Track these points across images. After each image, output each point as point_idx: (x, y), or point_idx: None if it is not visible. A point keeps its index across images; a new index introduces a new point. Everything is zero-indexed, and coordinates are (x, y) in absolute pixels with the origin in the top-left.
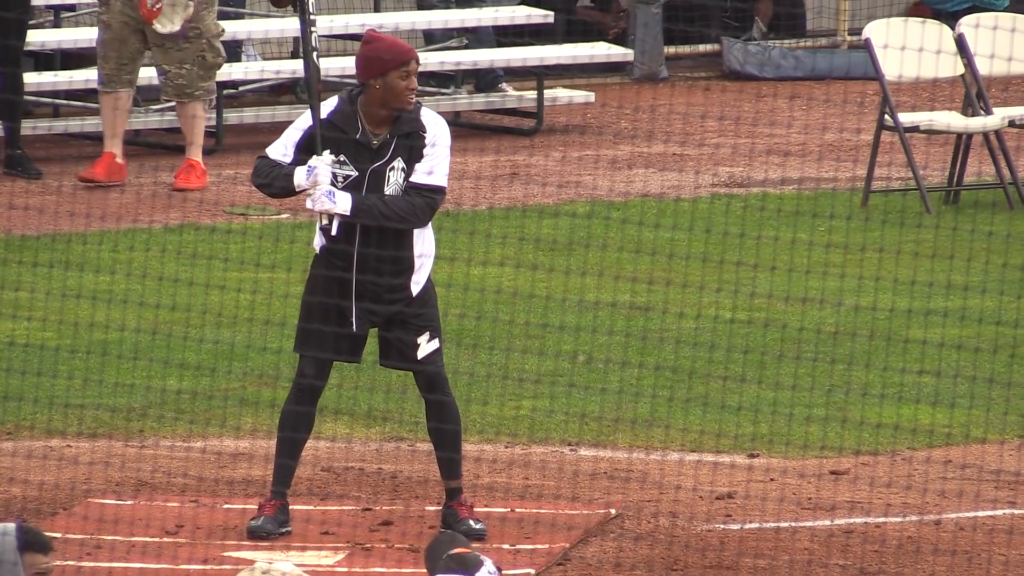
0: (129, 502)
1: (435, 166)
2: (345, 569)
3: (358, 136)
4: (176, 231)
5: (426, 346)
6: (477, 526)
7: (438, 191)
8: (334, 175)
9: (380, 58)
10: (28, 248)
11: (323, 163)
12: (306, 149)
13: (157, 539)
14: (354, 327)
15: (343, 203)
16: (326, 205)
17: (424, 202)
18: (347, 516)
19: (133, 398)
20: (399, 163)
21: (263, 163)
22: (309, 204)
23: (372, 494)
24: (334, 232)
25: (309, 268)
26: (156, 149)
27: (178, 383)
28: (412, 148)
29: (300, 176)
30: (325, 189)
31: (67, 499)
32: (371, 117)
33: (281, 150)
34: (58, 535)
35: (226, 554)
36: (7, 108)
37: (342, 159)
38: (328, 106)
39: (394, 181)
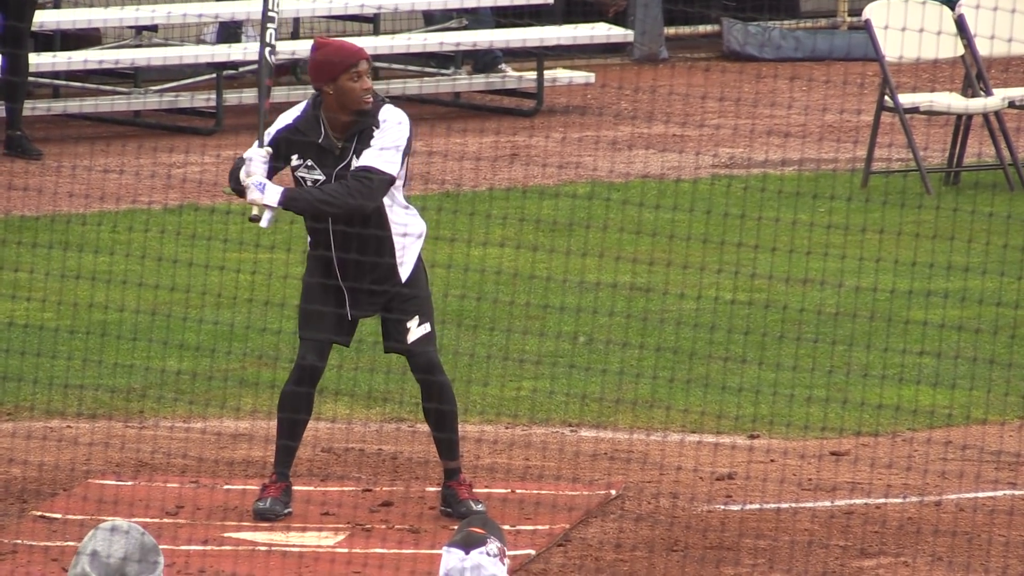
0: (129, 483)
1: (374, 151)
2: (346, 550)
3: (321, 140)
4: (176, 212)
5: (416, 330)
6: (477, 507)
7: (372, 171)
8: (303, 179)
9: (329, 62)
10: (28, 229)
11: (257, 156)
12: (275, 151)
13: (157, 520)
14: (348, 311)
15: (271, 195)
16: (254, 196)
17: (358, 184)
18: (347, 497)
19: (133, 379)
20: (356, 160)
21: (235, 163)
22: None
23: (372, 475)
24: (264, 224)
25: (308, 249)
26: (156, 130)
27: (178, 364)
28: (367, 142)
29: (242, 171)
30: (256, 181)
31: (67, 480)
32: (332, 121)
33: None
34: (58, 516)
35: (226, 535)
36: (9, 89)
37: (309, 163)
38: (295, 112)
39: None
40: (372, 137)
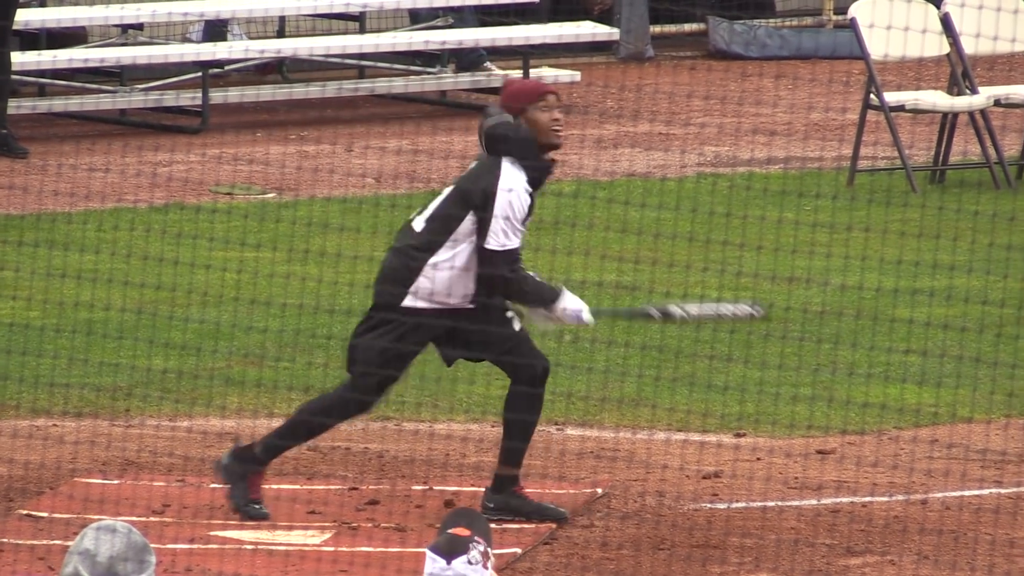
0: (115, 481)
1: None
2: (332, 548)
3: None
4: (161, 210)
5: None
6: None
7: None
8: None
9: (517, 95)
10: (13, 227)
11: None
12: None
13: (143, 519)
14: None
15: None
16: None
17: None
18: (333, 495)
19: (118, 377)
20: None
21: (527, 281)
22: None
23: (358, 473)
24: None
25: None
26: (141, 128)
27: (164, 362)
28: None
29: (585, 315)
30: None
31: (52, 479)
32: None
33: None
34: (44, 515)
35: (212, 533)
36: None
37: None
38: (514, 173)
39: None
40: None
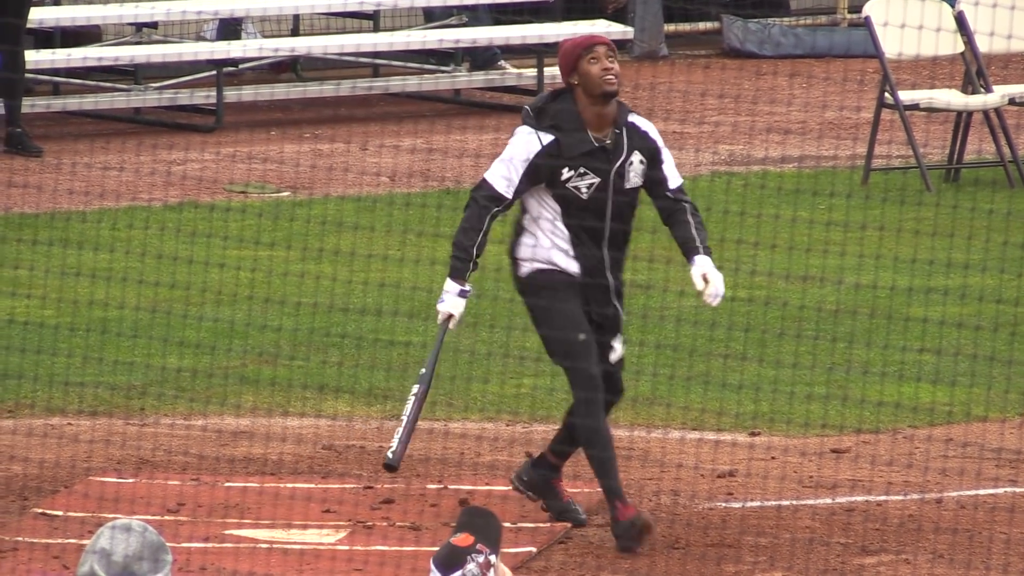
0: (130, 480)
1: (670, 166)
2: (347, 547)
3: (587, 142)
4: (176, 209)
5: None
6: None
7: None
8: (576, 188)
9: (566, 53)
10: (28, 226)
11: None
12: (532, 178)
13: (158, 517)
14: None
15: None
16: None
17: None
18: (348, 494)
19: (133, 376)
20: (636, 157)
21: (466, 232)
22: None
23: (373, 472)
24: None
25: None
26: (156, 127)
27: (178, 361)
28: (647, 147)
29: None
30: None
31: (68, 477)
32: (591, 118)
33: (503, 183)
34: (59, 513)
35: (227, 532)
36: (7, 86)
37: (582, 170)
38: (527, 135)
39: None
40: (656, 148)
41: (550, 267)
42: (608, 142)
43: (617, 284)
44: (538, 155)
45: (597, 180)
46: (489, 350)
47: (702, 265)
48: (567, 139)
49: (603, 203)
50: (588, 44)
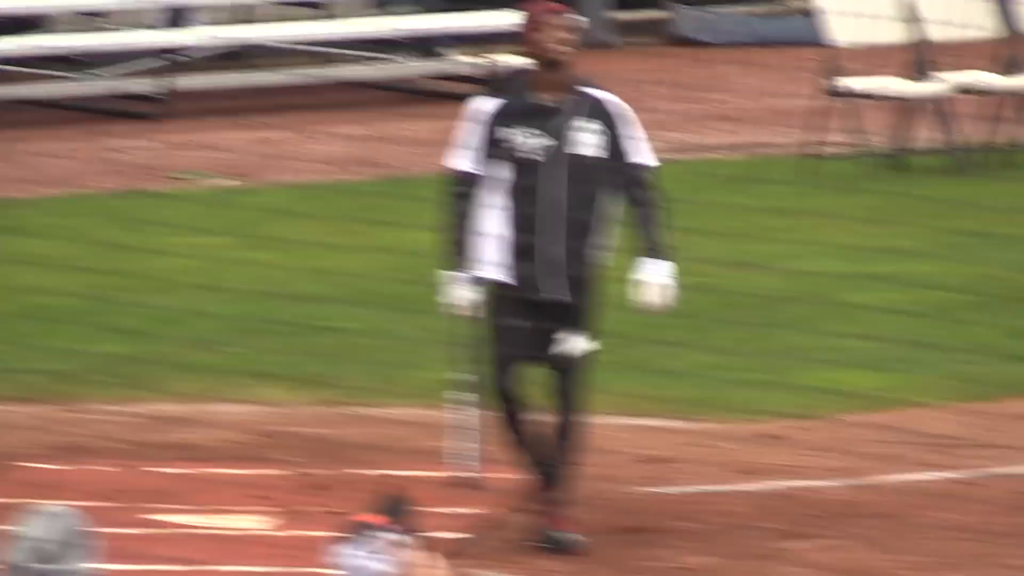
0: (65, 467)
1: (636, 143)
2: (283, 533)
3: (528, 101)
4: (120, 196)
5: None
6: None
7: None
8: (523, 145)
9: (523, 24)
10: None
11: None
12: (491, 143)
13: (93, 503)
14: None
15: None
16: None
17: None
18: (285, 481)
19: (71, 363)
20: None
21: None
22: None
23: (310, 459)
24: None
25: None
26: (99, 115)
27: (115, 347)
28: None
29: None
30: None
31: (2, 464)
32: (535, 80)
33: (463, 159)
34: None
35: (161, 518)
36: None
37: (526, 130)
38: (478, 101)
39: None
40: (611, 115)
41: (488, 276)
42: (552, 104)
43: (572, 271)
44: (489, 116)
45: (542, 142)
46: (427, 336)
47: (640, 270)
48: (512, 100)
49: (551, 167)
50: (541, 13)
